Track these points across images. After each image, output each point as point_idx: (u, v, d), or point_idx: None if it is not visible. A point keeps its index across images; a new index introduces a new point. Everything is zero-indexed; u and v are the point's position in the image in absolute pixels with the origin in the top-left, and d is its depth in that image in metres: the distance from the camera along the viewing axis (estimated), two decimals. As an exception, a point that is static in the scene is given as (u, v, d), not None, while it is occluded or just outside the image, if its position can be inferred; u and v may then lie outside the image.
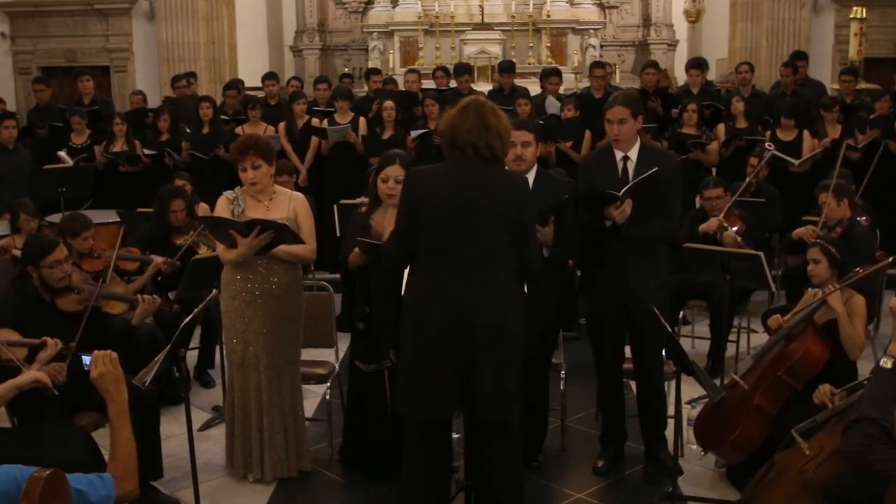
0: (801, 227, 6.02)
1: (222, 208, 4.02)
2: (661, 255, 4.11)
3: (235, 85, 9.01)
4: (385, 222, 3.97)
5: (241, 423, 4.13)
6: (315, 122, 7.97)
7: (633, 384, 4.60)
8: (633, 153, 4.02)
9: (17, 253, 5.34)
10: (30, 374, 3.14)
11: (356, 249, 3.91)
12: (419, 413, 3.25)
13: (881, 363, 2.84)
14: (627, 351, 4.27)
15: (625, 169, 4.01)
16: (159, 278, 5.18)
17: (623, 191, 3.83)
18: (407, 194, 3.28)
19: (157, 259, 5.14)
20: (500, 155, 3.23)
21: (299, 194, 4.20)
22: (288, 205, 4.05)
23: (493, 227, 3.16)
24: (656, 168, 3.87)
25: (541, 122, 7.48)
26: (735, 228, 5.45)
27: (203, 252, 5.31)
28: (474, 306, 3.13)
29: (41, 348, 3.49)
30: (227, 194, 4.07)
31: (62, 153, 7.79)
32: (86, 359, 2.82)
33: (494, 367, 3.16)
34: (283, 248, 3.91)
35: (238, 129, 7.92)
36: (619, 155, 4.04)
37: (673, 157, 4.32)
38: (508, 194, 3.20)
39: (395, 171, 3.88)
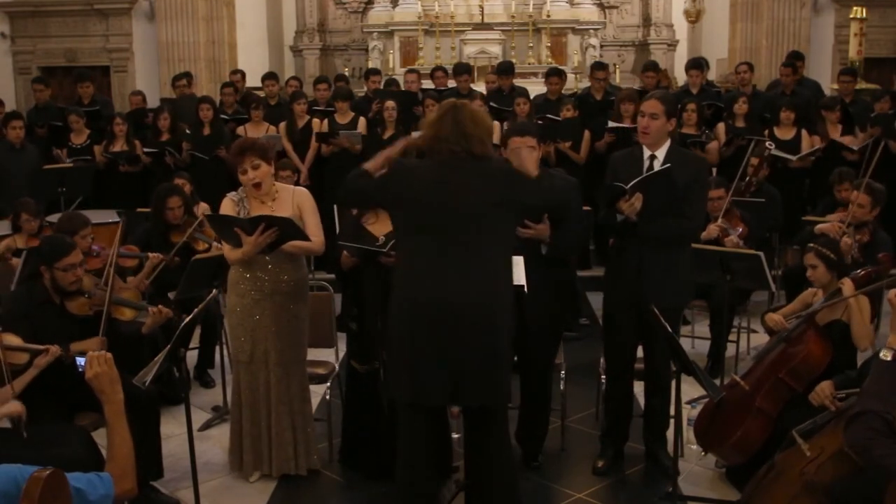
0: (800, 227, 6.02)
1: (227, 210, 4.02)
2: (680, 258, 4.07)
3: (232, 83, 9.02)
4: (378, 224, 3.98)
5: (249, 421, 4.13)
6: (315, 122, 7.98)
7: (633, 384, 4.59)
8: (661, 153, 3.99)
9: (14, 261, 5.34)
10: (5, 408, 3.17)
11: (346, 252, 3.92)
12: (410, 397, 3.24)
13: (881, 355, 2.83)
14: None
15: (650, 167, 3.99)
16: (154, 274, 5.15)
17: (630, 185, 3.81)
18: (388, 179, 3.29)
19: (156, 256, 5.13)
20: (480, 157, 3.22)
21: (302, 189, 4.19)
22: (292, 201, 4.05)
23: (477, 217, 3.17)
24: (669, 165, 3.87)
25: (539, 122, 7.49)
26: (739, 230, 5.45)
27: (200, 248, 5.30)
28: (458, 290, 3.13)
29: (40, 354, 3.49)
30: (232, 195, 4.07)
31: (59, 152, 7.80)
32: (79, 360, 2.81)
33: (477, 351, 3.15)
34: (292, 244, 3.90)
35: (239, 129, 7.93)
36: (646, 153, 4.03)
37: (701, 160, 4.28)
38: (492, 180, 3.21)
39: None
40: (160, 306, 4.16)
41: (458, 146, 3.17)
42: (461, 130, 3.18)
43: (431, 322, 3.14)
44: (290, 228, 3.83)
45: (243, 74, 9.48)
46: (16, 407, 3.22)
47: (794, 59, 8.67)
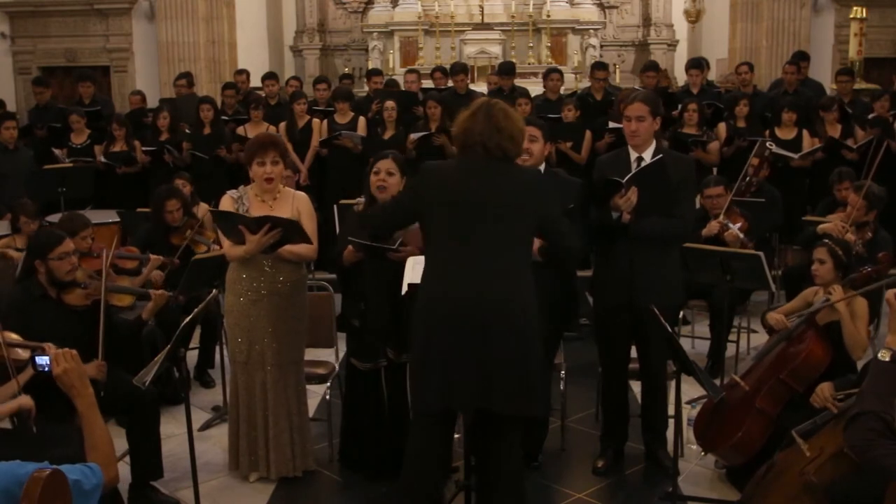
0: (800, 227, 6.02)
1: (226, 207, 4.02)
2: (670, 258, 4.08)
3: (234, 84, 9.03)
4: None
5: (246, 422, 4.13)
6: (315, 122, 7.98)
7: (633, 384, 4.59)
8: (648, 154, 4.00)
9: (14, 254, 5.36)
10: (16, 401, 3.14)
11: (350, 247, 3.93)
12: (434, 404, 3.19)
13: (879, 356, 2.83)
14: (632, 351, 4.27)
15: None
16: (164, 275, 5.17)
17: (627, 178, 3.81)
18: (417, 182, 3.35)
19: (155, 258, 5.14)
20: (511, 155, 3.25)
21: (302, 194, 4.20)
22: (291, 204, 4.06)
23: (503, 219, 3.16)
24: (661, 156, 3.86)
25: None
26: (738, 225, 5.46)
27: (199, 251, 5.31)
28: (484, 296, 3.11)
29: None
30: (231, 193, 4.08)
31: (58, 151, 7.80)
32: (39, 360, 2.81)
33: (507, 354, 3.11)
34: (287, 248, 3.91)
35: (239, 129, 7.93)
36: (633, 155, 4.03)
37: (688, 160, 4.29)
38: (518, 187, 3.21)
39: (386, 165, 3.94)
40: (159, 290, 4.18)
41: (491, 141, 3.17)
42: (494, 125, 3.18)
43: (459, 321, 3.11)
44: (293, 230, 3.84)
45: (248, 75, 9.48)
46: (24, 400, 3.18)
47: (799, 59, 8.68)
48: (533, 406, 3.22)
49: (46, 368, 2.70)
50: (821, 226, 5.56)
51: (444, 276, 3.18)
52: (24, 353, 3.47)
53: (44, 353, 2.94)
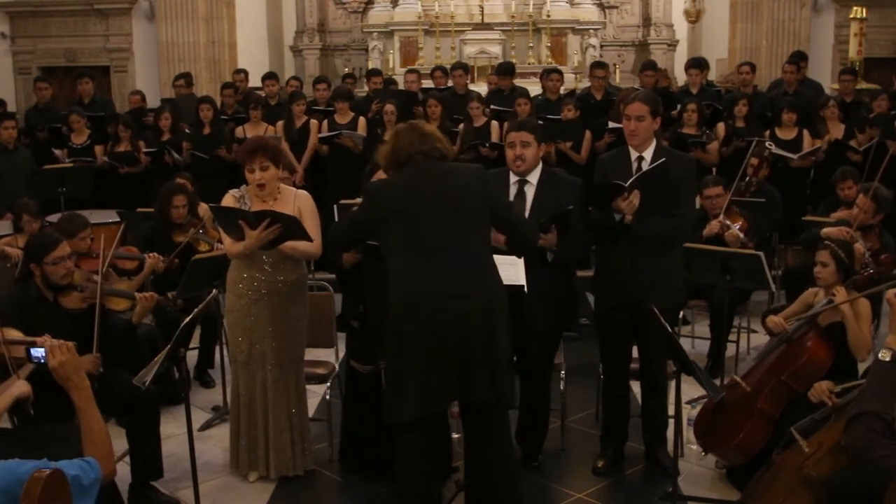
0: (800, 227, 6.02)
1: (228, 205, 4.02)
2: (672, 258, 4.09)
3: (233, 84, 9.03)
4: None
5: (246, 421, 4.13)
6: (314, 122, 7.97)
7: (633, 384, 4.59)
8: (648, 153, 4.00)
9: (15, 251, 5.36)
10: (11, 391, 3.14)
11: None
12: (415, 412, 3.24)
13: (879, 356, 2.83)
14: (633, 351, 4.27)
15: (639, 168, 3.99)
16: (152, 275, 5.14)
17: (629, 182, 3.81)
18: (368, 202, 3.41)
19: (153, 257, 5.12)
20: (447, 154, 3.37)
21: (304, 192, 4.20)
22: (293, 203, 4.05)
23: (461, 216, 3.24)
24: (664, 159, 3.87)
25: (539, 122, 7.47)
26: (738, 225, 5.46)
27: (202, 249, 5.30)
28: (457, 297, 3.16)
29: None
30: (233, 192, 4.08)
31: (58, 152, 7.80)
32: (34, 352, 2.80)
33: (485, 351, 3.19)
34: (290, 245, 3.90)
35: (238, 130, 7.93)
36: (633, 154, 4.03)
37: (688, 158, 4.30)
38: (465, 183, 3.31)
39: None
40: (144, 292, 4.16)
41: (425, 145, 3.30)
42: (419, 132, 3.34)
43: (432, 329, 3.16)
44: (294, 227, 3.83)
45: (246, 74, 9.49)
46: (23, 388, 3.16)
47: (798, 59, 8.68)
48: (507, 390, 3.32)
49: (42, 360, 2.69)
50: (825, 230, 5.54)
51: (412, 283, 3.22)
52: (22, 351, 3.46)
53: (39, 345, 2.93)
